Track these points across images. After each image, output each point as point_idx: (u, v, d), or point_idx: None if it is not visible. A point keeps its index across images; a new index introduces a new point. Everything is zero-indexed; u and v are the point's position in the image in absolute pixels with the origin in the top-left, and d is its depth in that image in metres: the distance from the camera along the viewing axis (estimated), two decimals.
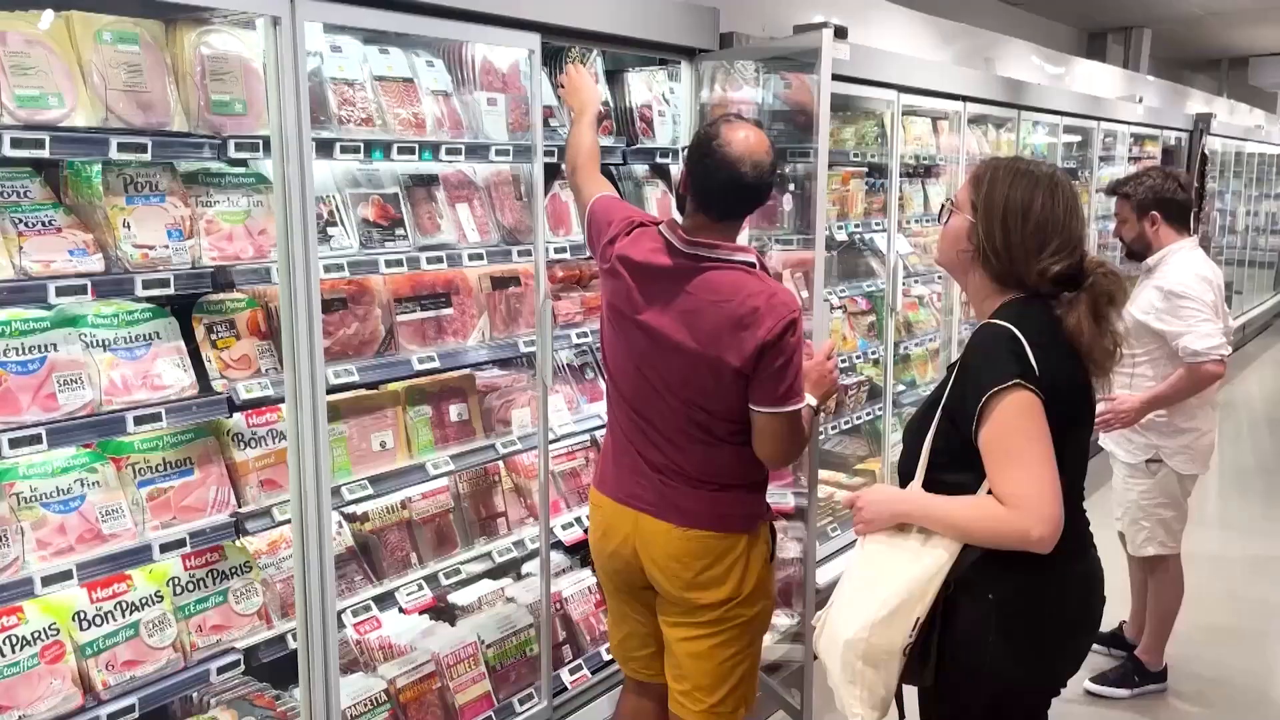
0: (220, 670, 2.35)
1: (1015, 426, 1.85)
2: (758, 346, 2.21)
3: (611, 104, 3.32)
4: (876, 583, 1.96)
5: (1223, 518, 5.93)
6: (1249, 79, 14.40)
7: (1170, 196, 3.54)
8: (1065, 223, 1.96)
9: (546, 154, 2.89)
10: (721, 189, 2.27)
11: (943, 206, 2.12)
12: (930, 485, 1.99)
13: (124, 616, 2.26)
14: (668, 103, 3.34)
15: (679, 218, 2.42)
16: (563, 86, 2.94)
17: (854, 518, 2.07)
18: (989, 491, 1.89)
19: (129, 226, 2.19)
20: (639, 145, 3.33)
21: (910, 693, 2.06)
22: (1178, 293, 3.38)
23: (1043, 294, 1.97)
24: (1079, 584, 2.01)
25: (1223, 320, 3.52)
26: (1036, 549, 1.84)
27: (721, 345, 2.24)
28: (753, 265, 2.30)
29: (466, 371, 3.03)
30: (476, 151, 2.78)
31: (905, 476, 2.07)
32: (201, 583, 2.40)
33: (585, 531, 2.89)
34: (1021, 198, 1.95)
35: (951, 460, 1.96)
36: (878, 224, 4.50)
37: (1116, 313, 1.99)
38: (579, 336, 3.17)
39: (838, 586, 2.07)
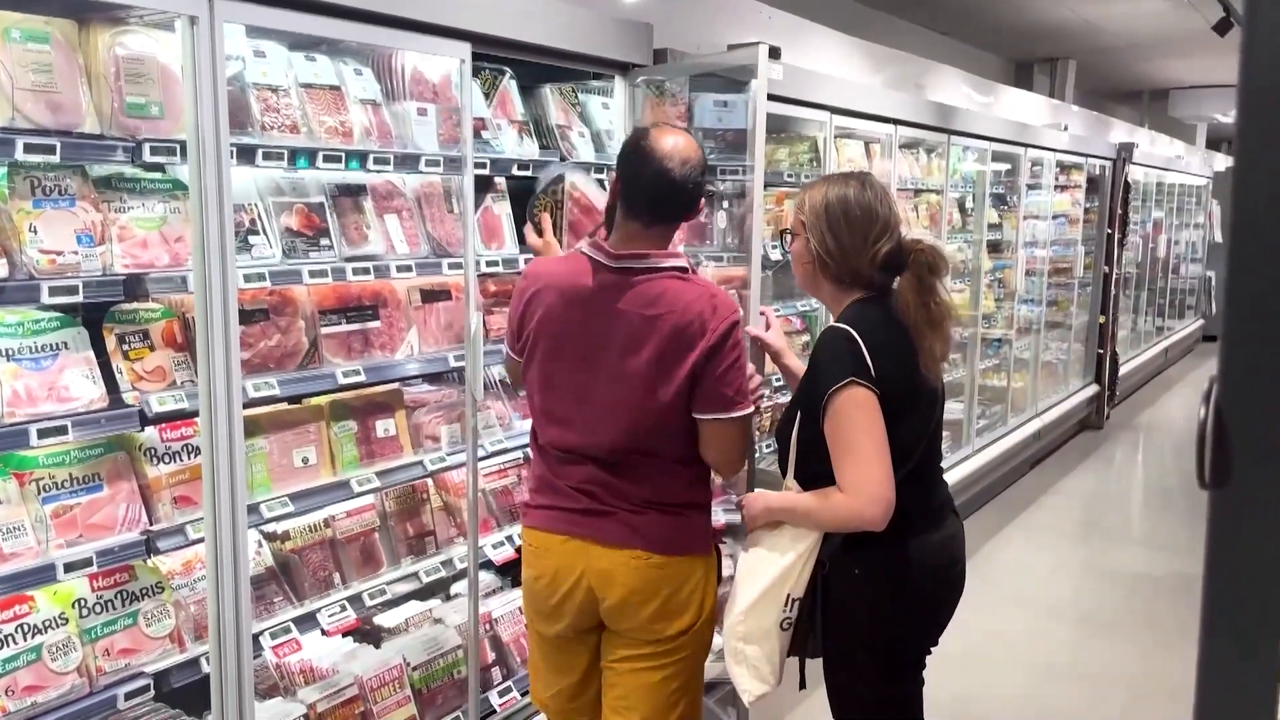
0: (129, 696, 2.25)
1: (849, 420, 2.05)
2: (703, 352, 2.12)
3: (536, 121, 3.29)
4: (751, 576, 2.21)
5: (1148, 537, 6.07)
6: (1169, 110, 14.91)
7: None
8: (877, 209, 2.18)
9: (478, 166, 2.85)
10: (650, 187, 2.17)
11: (783, 234, 2.38)
12: (802, 473, 2.21)
13: (25, 639, 2.15)
14: (586, 122, 3.34)
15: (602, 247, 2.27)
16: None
17: (742, 516, 2.31)
18: None
19: (35, 231, 2.10)
20: (572, 160, 3.30)
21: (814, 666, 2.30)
22: None
23: (880, 289, 2.19)
24: (937, 551, 2.22)
25: None
26: (872, 528, 2.04)
27: (665, 362, 2.13)
28: (685, 270, 2.20)
29: (394, 386, 2.96)
30: (406, 162, 2.73)
31: (784, 467, 2.28)
32: (110, 604, 2.30)
33: (517, 551, 2.83)
34: (837, 195, 2.19)
35: (813, 451, 2.15)
36: None
37: (939, 281, 2.18)
38: None
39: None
